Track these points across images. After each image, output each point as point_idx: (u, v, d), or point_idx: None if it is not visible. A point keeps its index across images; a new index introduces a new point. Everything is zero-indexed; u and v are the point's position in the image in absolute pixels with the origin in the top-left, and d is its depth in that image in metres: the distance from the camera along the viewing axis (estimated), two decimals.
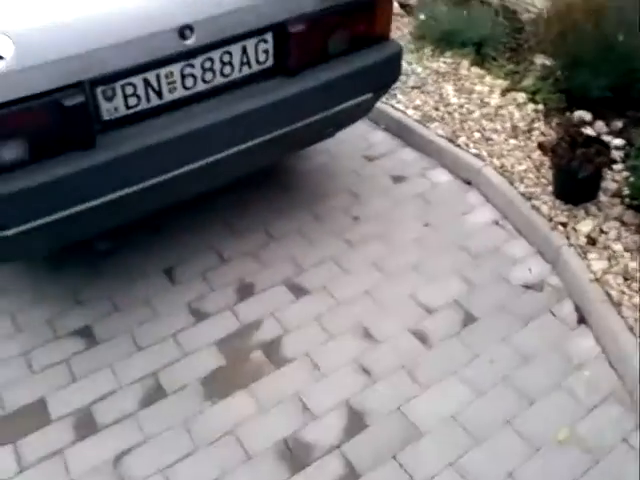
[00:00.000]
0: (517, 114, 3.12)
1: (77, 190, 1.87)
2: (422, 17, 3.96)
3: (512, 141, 2.94)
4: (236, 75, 2.07)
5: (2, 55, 1.62)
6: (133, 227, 2.54)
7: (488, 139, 2.97)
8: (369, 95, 2.40)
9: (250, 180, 2.85)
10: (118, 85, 1.85)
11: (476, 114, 3.15)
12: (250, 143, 2.13)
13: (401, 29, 4.03)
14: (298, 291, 2.37)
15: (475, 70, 3.51)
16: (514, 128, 3.02)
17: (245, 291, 2.38)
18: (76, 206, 1.88)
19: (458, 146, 2.94)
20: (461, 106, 3.23)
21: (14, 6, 1.76)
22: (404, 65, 2.72)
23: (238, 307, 2.32)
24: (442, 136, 3.02)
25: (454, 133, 3.03)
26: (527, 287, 2.34)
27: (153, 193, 2.05)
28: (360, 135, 3.19)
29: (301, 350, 2.14)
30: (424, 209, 2.73)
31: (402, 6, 4.31)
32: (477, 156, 2.85)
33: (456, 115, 3.16)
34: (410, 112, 3.23)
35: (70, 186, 1.84)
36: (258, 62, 2.09)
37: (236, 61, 2.04)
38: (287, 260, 2.50)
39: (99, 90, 1.82)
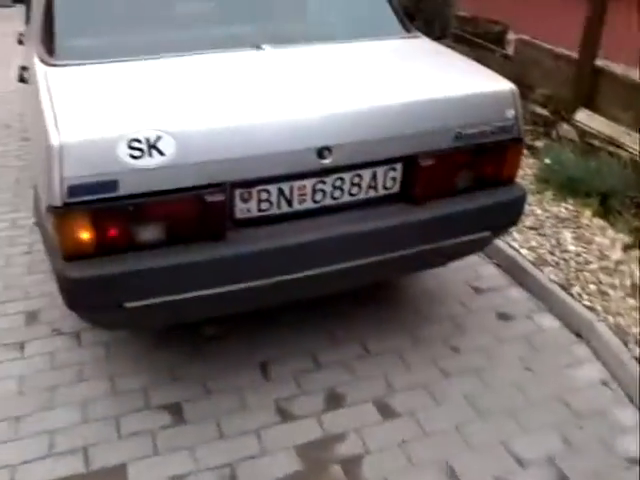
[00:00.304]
0: (638, 273, 3.03)
1: (200, 277, 1.99)
2: (547, 161, 4.02)
3: (630, 300, 2.84)
4: (362, 196, 2.16)
5: (164, 152, 1.82)
6: (239, 317, 2.66)
7: (604, 293, 2.89)
8: (487, 233, 2.44)
9: (356, 292, 2.92)
10: (255, 190, 2.00)
11: (594, 265, 3.09)
12: (364, 260, 2.19)
13: (524, 170, 4.10)
14: (386, 412, 2.33)
15: (597, 221, 3.48)
16: (633, 287, 2.93)
17: (334, 401, 2.38)
18: (196, 291, 2.00)
19: (571, 295, 2.87)
20: (578, 255, 3.19)
21: (181, 109, 1.98)
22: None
23: (325, 416, 2.31)
24: (555, 282, 2.97)
25: (568, 281, 2.97)
26: (634, 463, 2.15)
27: (266, 291, 2.14)
28: (470, 266, 3.21)
29: (380, 474, 2.09)
30: (527, 353, 2.65)
31: (528, 148, 4.41)
32: (590, 309, 2.77)
33: (572, 263, 3.12)
34: (524, 252, 3.22)
35: (195, 272, 1.97)
36: (385, 187, 2.19)
37: (364, 184, 2.14)
38: (380, 378, 2.49)
39: (237, 192, 1.97)
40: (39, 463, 2.11)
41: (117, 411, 2.32)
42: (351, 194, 2.14)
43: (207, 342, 2.64)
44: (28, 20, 3.21)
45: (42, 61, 2.18)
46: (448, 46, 2.99)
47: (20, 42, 3.78)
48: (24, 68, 2.60)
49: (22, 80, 2.60)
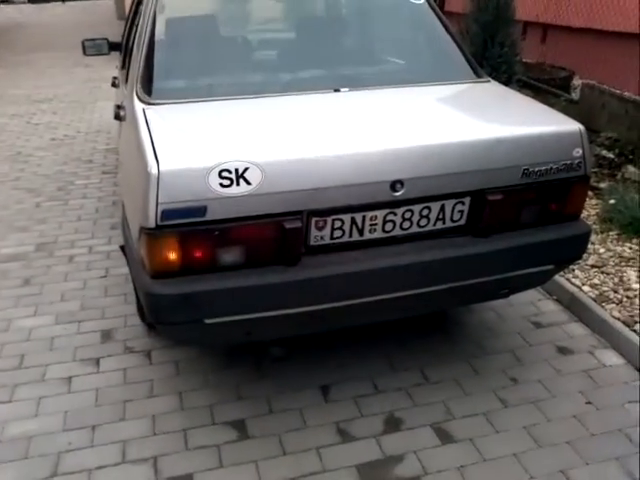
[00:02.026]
0: None
1: (275, 298, 2.11)
2: (612, 202, 4.01)
3: None
4: (430, 227, 2.23)
5: (251, 182, 1.96)
6: (303, 341, 2.75)
7: None
8: (550, 267, 2.48)
9: (416, 321, 2.98)
10: (330, 219, 2.10)
11: None
12: (428, 289, 2.27)
13: (587, 210, 4.11)
14: (445, 437, 2.37)
15: None
16: None
17: (392, 424, 2.43)
18: (270, 311, 2.12)
19: (634, 331, 2.85)
20: None
21: (267, 143, 2.14)
22: None
23: (383, 438, 2.37)
24: (618, 319, 2.95)
25: (632, 318, 2.95)
26: None
27: (335, 314, 2.25)
28: (530, 301, 3.23)
29: None
30: (588, 387, 2.63)
31: (592, 189, 4.40)
32: None
33: (636, 301, 3.09)
34: (586, 289, 3.22)
35: (270, 293, 2.09)
36: (452, 220, 2.25)
37: (433, 216, 2.21)
38: (439, 404, 2.53)
39: (313, 220, 2.08)
40: (113, 469, 2.25)
41: (185, 425, 2.44)
42: (419, 225, 2.21)
43: (271, 363, 2.75)
44: (123, 66, 3.52)
45: (141, 100, 2.41)
46: None
47: (114, 85, 4.13)
48: (119, 107, 2.86)
49: (117, 117, 2.85)
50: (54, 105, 7.72)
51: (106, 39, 4.16)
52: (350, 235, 2.15)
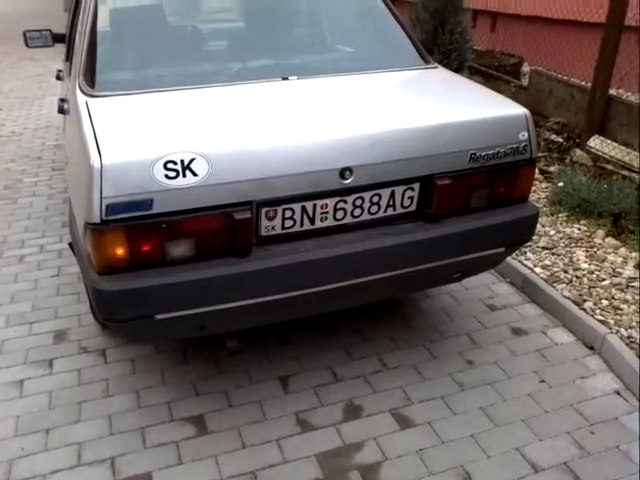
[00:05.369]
0: None
1: (226, 290, 2.08)
2: (561, 184, 4.10)
3: None
4: (381, 214, 2.24)
5: (197, 173, 1.93)
6: (259, 333, 2.74)
7: (617, 308, 2.93)
8: (501, 249, 2.51)
9: (371, 309, 3.00)
10: (280, 208, 2.08)
11: (606, 282, 3.14)
12: (381, 275, 2.27)
13: (538, 193, 4.20)
14: (403, 422, 2.39)
15: (610, 240, 3.53)
16: None
17: (352, 412, 2.44)
18: (220, 304, 2.09)
19: (583, 310, 2.93)
20: (591, 272, 3.24)
21: (213, 133, 2.11)
22: (537, 226, 2.83)
23: (343, 426, 2.37)
24: (568, 298, 3.02)
25: (581, 297, 3.03)
26: None
27: (289, 304, 2.23)
28: (485, 285, 3.29)
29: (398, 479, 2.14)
30: (541, 365, 2.70)
31: (542, 172, 4.50)
32: (603, 323, 2.81)
33: (585, 280, 3.17)
34: (538, 270, 3.28)
35: (222, 286, 2.06)
36: (402, 206, 2.26)
37: (383, 202, 2.22)
38: (397, 390, 2.55)
39: (264, 210, 2.06)
40: (69, 472, 2.19)
41: (142, 424, 2.40)
42: (370, 212, 2.22)
43: (228, 357, 2.72)
44: (67, 58, 3.42)
45: (83, 92, 2.34)
46: None
47: (58, 77, 4.00)
48: (63, 100, 2.77)
49: (61, 111, 2.76)
50: None
51: (49, 30, 4.02)
52: (301, 224, 2.14)
